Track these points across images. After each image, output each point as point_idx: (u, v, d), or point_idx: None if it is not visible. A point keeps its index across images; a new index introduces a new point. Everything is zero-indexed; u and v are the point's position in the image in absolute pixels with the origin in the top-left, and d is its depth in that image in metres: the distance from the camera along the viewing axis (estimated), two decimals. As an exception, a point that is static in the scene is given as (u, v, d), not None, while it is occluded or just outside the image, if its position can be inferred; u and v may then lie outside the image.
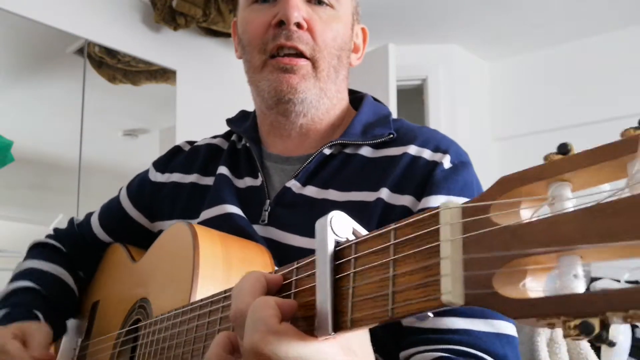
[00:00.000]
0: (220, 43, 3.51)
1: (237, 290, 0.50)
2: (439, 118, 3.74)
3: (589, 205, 0.29)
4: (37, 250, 1.12)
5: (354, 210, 0.81)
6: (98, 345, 0.95)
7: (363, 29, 1.00)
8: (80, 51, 2.91)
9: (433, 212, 0.38)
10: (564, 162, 0.31)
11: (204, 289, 0.71)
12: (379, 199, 0.81)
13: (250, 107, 1.05)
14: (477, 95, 4.03)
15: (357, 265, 0.44)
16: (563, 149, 0.32)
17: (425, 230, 0.38)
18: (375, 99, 1.00)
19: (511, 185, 0.33)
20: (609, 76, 3.57)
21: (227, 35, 3.34)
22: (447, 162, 0.82)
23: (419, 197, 0.79)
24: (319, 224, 0.47)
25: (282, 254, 0.82)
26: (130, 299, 0.90)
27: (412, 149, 0.84)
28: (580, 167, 0.31)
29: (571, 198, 0.31)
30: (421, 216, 0.39)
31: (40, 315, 0.98)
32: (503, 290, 0.31)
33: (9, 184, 2.65)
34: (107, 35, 2.97)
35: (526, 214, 0.33)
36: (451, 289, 0.33)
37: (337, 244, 0.47)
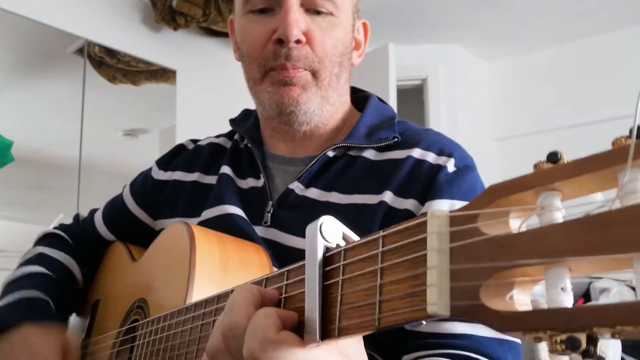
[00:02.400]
0: (220, 43, 3.50)
1: (230, 303, 0.50)
2: (439, 118, 3.74)
3: (578, 216, 0.28)
4: (47, 239, 1.11)
5: (357, 213, 0.81)
6: (97, 345, 0.95)
7: (364, 24, 0.97)
8: (80, 51, 2.91)
9: (420, 220, 0.37)
10: (554, 171, 0.31)
11: (200, 290, 0.71)
12: (382, 202, 0.80)
13: (249, 106, 1.05)
14: (477, 95, 4.02)
15: (346, 272, 0.43)
16: (553, 157, 0.32)
17: (413, 239, 0.37)
18: (380, 100, 0.99)
19: (500, 194, 0.33)
20: (609, 76, 3.56)
21: (227, 35, 3.34)
22: (451, 165, 0.81)
23: (422, 201, 0.79)
24: (309, 229, 0.47)
25: (284, 256, 0.82)
26: (129, 299, 0.90)
27: (417, 152, 0.83)
28: (570, 177, 0.30)
29: (560, 208, 0.30)
30: (409, 224, 0.38)
31: (51, 304, 0.97)
32: (490, 302, 0.30)
33: (9, 184, 2.65)
34: (107, 35, 2.97)
35: (515, 224, 0.33)
36: (437, 300, 0.33)
37: (327, 249, 0.46)
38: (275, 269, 0.81)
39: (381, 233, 0.41)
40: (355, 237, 0.47)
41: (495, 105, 4.06)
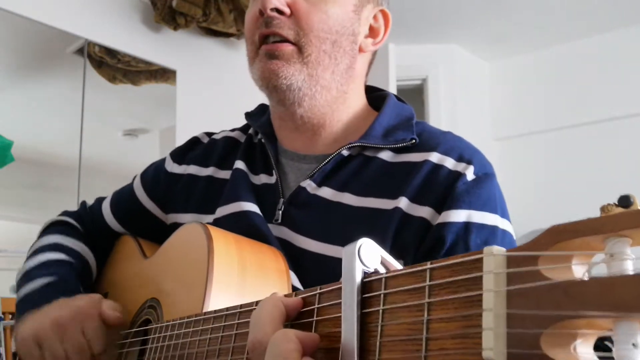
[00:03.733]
0: (220, 43, 3.49)
1: (255, 319, 0.49)
2: (439, 118, 3.74)
3: None
4: (58, 227, 1.07)
5: (370, 217, 0.79)
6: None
7: (383, 11, 0.93)
8: (80, 51, 2.89)
9: (476, 256, 0.35)
10: (626, 217, 0.29)
11: (217, 296, 0.69)
12: (397, 209, 0.78)
13: (250, 106, 1.05)
14: (477, 95, 4.02)
15: (387, 302, 0.42)
16: (625, 202, 0.31)
17: (466, 276, 0.35)
18: (398, 99, 0.96)
19: (564, 236, 0.31)
20: (609, 76, 3.57)
21: (227, 35, 3.33)
22: (470, 173, 0.79)
23: (439, 209, 0.77)
24: (346, 252, 0.45)
25: (293, 257, 0.81)
26: (140, 297, 0.88)
27: (435, 157, 0.81)
28: None
29: (632, 257, 0.29)
30: (462, 259, 0.36)
31: (81, 289, 0.95)
32: (552, 353, 0.29)
33: (9, 184, 2.64)
34: (107, 35, 2.96)
35: (579, 270, 0.31)
36: (493, 346, 0.31)
37: (365, 274, 0.45)
38: (291, 273, 0.80)
39: (429, 265, 0.39)
40: (394, 263, 0.46)
41: (495, 105, 4.07)
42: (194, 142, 1.05)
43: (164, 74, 3.23)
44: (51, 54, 2.87)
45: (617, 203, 0.31)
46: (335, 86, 0.86)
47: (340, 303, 0.45)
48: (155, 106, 3.31)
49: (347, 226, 0.81)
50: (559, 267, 0.31)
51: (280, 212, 0.85)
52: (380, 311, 0.42)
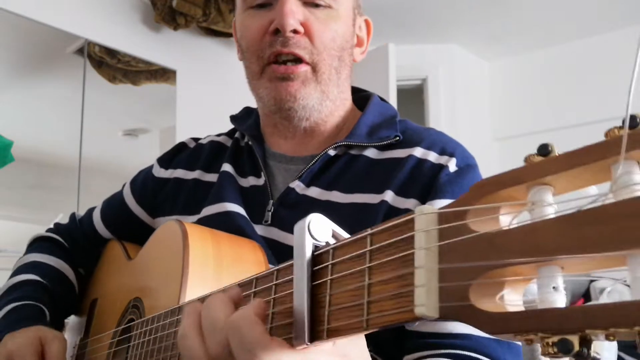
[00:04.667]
0: (220, 43, 3.50)
1: (209, 324, 0.49)
2: (439, 118, 3.73)
3: (570, 212, 0.26)
4: (39, 244, 1.10)
5: (358, 212, 0.80)
6: (95, 344, 0.95)
7: (366, 21, 0.97)
8: (80, 51, 2.90)
9: (408, 217, 0.36)
10: (545, 164, 0.30)
11: (193, 289, 0.70)
12: (383, 202, 0.80)
13: (252, 105, 1.04)
14: (477, 95, 4.01)
15: (334, 271, 0.42)
16: (543, 150, 0.30)
17: (400, 237, 0.36)
18: (381, 99, 0.99)
19: (489, 189, 0.31)
20: (609, 76, 3.55)
21: (227, 35, 3.33)
22: (452, 165, 0.81)
23: (423, 200, 0.79)
24: (297, 227, 0.46)
25: (284, 256, 0.79)
26: (125, 298, 0.90)
27: (418, 152, 0.83)
28: (561, 170, 0.29)
29: (552, 203, 0.29)
30: (396, 221, 0.37)
31: (46, 311, 0.96)
32: (479, 303, 0.29)
33: (9, 184, 2.64)
34: (107, 35, 2.97)
35: (505, 220, 0.31)
36: (425, 301, 0.31)
37: (316, 248, 0.45)
38: (271, 266, 0.80)
39: (369, 231, 0.40)
40: (345, 235, 0.46)
41: (495, 105, 4.05)
42: (181, 147, 1.07)
43: (164, 74, 3.24)
44: (51, 54, 2.88)
45: (537, 152, 0.31)
46: (338, 96, 0.89)
47: (291, 279, 0.46)
48: (155, 106, 3.31)
49: (335, 222, 0.81)
50: (486, 218, 0.31)
51: (270, 213, 0.86)
52: (328, 281, 0.42)
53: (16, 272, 1.03)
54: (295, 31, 0.82)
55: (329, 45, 0.84)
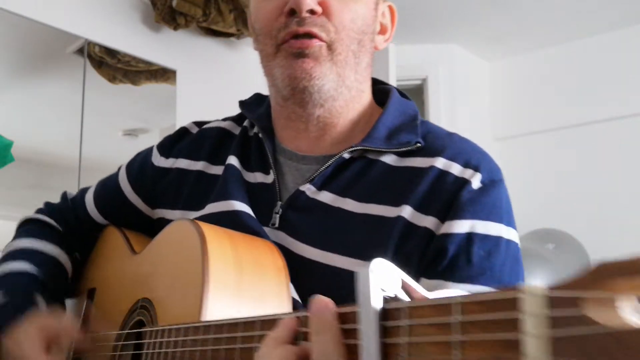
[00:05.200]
0: (220, 43, 3.49)
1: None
2: (439, 118, 3.73)
3: None
4: (28, 227, 1.03)
5: (372, 225, 0.77)
6: (97, 341, 0.90)
7: (390, 7, 0.92)
8: (80, 51, 2.89)
9: (511, 295, 0.32)
10: None
11: (215, 299, 0.67)
12: (400, 218, 0.76)
13: None
14: (477, 95, 4.01)
15: (413, 334, 0.37)
16: None
17: (502, 316, 0.32)
18: (401, 93, 0.93)
19: (610, 274, 0.28)
20: (609, 76, 3.55)
21: (227, 35, 3.33)
22: (476, 181, 0.76)
23: (442, 218, 0.75)
24: (361, 274, 0.41)
25: (290, 263, 0.78)
26: (131, 296, 0.85)
27: (440, 162, 0.78)
28: None
29: None
30: (496, 296, 0.33)
31: (40, 300, 0.91)
32: None
33: (8, 184, 2.64)
34: (107, 35, 2.96)
35: (628, 314, 0.28)
36: None
37: (385, 300, 0.41)
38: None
39: (460, 299, 0.35)
40: (416, 287, 0.42)
41: (496, 105, 4.05)
42: (182, 133, 1.00)
43: (164, 74, 3.23)
44: (51, 54, 2.87)
45: None
46: (355, 85, 0.84)
47: (356, 329, 0.41)
48: (155, 106, 3.31)
49: (347, 233, 0.78)
50: (604, 309, 0.27)
51: (278, 215, 0.83)
52: (406, 345, 0.38)
53: (4, 260, 0.96)
54: (312, 11, 0.77)
55: (348, 26, 0.79)
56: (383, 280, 0.41)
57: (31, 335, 0.81)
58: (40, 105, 2.79)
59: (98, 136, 2.94)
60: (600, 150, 3.51)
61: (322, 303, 0.45)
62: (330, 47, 0.79)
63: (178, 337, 0.65)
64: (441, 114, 3.76)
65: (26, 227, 1.04)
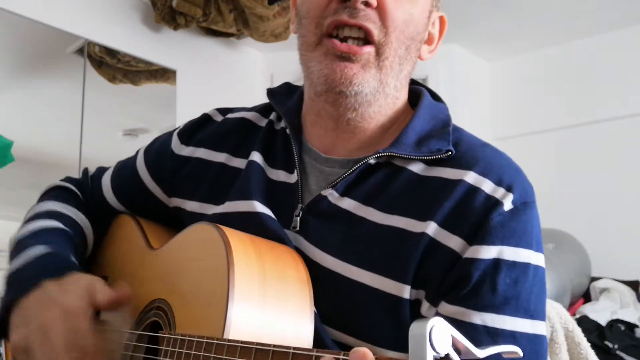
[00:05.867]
0: (220, 43, 3.49)
1: None
2: (440, 118, 3.73)
3: None
4: (56, 193, 1.00)
5: (395, 239, 0.73)
6: (109, 335, 0.86)
7: (441, 18, 0.88)
8: (80, 51, 2.89)
9: None
10: None
11: (238, 314, 0.64)
12: (424, 234, 0.72)
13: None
14: (477, 95, 4.01)
15: None
16: None
17: None
18: (432, 95, 0.88)
19: None
20: (609, 76, 3.55)
21: (227, 35, 3.33)
22: (508, 203, 0.72)
23: (469, 241, 0.71)
24: (415, 334, 0.40)
25: (310, 273, 0.75)
26: (146, 295, 0.82)
27: (471, 177, 0.73)
28: None
29: None
30: None
31: (72, 258, 0.87)
32: None
33: (9, 184, 2.64)
34: (107, 35, 2.96)
35: None
36: None
37: None
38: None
39: None
40: (467, 345, 0.42)
41: (496, 105, 4.05)
42: (205, 120, 0.97)
43: (164, 74, 3.23)
44: (51, 54, 2.87)
45: None
46: (393, 93, 0.80)
47: None
48: (155, 106, 3.31)
49: (368, 245, 0.75)
50: None
51: (299, 218, 0.79)
52: None
53: (34, 217, 0.92)
54: (367, 3, 0.73)
55: (400, 28, 0.75)
56: (436, 340, 0.40)
57: (82, 288, 0.75)
58: (40, 105, 2.79)
59: (98, 136, 2.94)
60: (600, 150, 3.50)
61: (361, 353, 0.43)
62: (378, 51, 0.75)
63: (199, 351, 0.62)
64: (441, 114, 3.75)
65: (53, 193, 1.00)
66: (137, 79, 3.15)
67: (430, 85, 3.78)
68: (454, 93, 3.82)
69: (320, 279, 0.75)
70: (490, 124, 4.04)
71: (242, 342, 0.57)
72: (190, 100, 3.30)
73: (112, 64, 3.02)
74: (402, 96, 0.84)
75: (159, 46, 3.19)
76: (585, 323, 2.55)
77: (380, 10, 0.74)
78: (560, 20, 3.49)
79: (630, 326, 2.58)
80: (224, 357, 0.58)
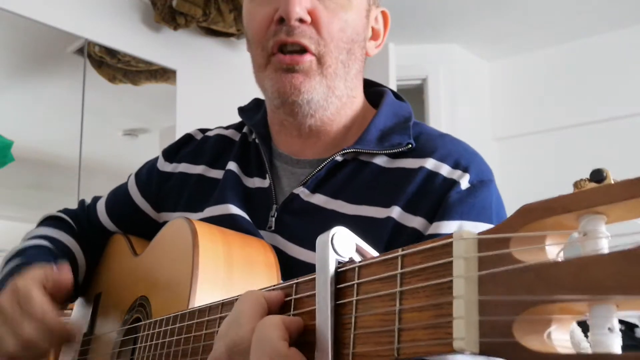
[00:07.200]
0: (220, 43, 3.49)
1: (235, 316, 0.48)
2: (439, 118, 3.73)
3: (627, 247, 0.24)
4: (51, 221, 1.06)
5: (363, 226, 0.76)
6: (99, 341, 0.93)
7: (384, 13, 0.91)
8: (80, 51, 2.89)
9: (446, 241, 0.33)
10: (599, 193, 0.27)
11: (203, 291, 0.69)
12: (390, 218, 0.76)
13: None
14: (477, 95, 4.01)
15: (361, 292, 0.40)
16: (597, 176, 0.29)
17: (437, 262, 0.33)
18: (396, 95, 0.93)
19: (535, 215, 0.29)
20: (609, 76, 3.56)
21: (227, 35, 3.33)
22: (465, 182, 0.75)
23: (430, 219, 0.74)
24: (320, 241, 0.44)
25: (285, 265, 0.79)
26: (131, 295, 0.87)
27: (430, 163, 0.78)
28: (618, 200, 0.26)
29: (607, 235, 0.27)
30: (432, 245, 0.34)
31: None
32: (525, 341, 0.27)
33: (9, 184, 2.64)
34: (107, 35, 2.96)
35: (553, 251, 0.29)
36: (464, 335, 0.29)
37: (339, 264, 0.43)
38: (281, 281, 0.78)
39: (400, 252, 0.37)
40: (370, 250, 0.44)
41: (495, 105, 4.06)
42: (187, 139, 1.03)
43: (164, 74, 3.23)
44: (51, 54, 2.87)
45: (589, 178, 0.29)
46: (346, 93, 0.84)
47: (314, 294, 0.44)
48: (155, 106, 3.31)
49: None
50: (531, 248, 0.29)
51: (274, 218, 0.84)
52: (354, 302, 0.40)
53: (25, 239, 1.00)
54: (301, 20, 0.77)
55: (337, 36, 0.79)
56: (339, 246, 0.43)
57: (36, 277, 0.82)
58: (40, 105, 2.79)
59: (98, 136, 2.94)
60: (600, 150, 3.51)
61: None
62: (319, 60, 0.79)
63: (165, 327, 0.67)
64: (441, 113, 3.76)
65: (48, 222, 1.06)
66: (137, 79, 3.15)
67: (430, 85, 3.82)
68: (454, 93, 3.82)
69: (297, 272, 0.78)
70: (490, 124, 4.05)
71: (197, 307, 0.61)
72: (190, 100, 3.30)
73: (112, 64, 3.02)
74: (359, 94, 0.89)
75: (159, 46, 3.19)
76: (585, 323, 2.56)
77: (315, 24, 0.78)
78: (560, 20, 3.49)
79: (630, 326, 2.58)
80: (185, 323, 0.62)
